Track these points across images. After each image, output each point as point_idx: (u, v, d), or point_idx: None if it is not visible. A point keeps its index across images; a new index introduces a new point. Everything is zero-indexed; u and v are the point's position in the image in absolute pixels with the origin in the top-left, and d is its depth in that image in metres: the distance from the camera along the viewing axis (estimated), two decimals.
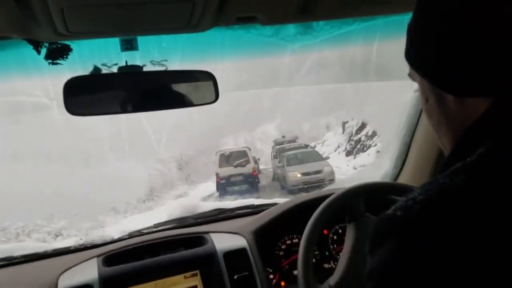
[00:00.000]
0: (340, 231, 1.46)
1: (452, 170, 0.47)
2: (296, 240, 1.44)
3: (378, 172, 1.61)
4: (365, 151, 18.83)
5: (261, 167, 18.49)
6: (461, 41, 0.48)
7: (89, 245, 1.43)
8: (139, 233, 1.53)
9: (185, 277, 1.25)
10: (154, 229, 1.53)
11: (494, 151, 0.46)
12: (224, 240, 1.36)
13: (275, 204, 1.68)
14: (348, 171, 16.29)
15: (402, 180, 1.51)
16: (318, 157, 15.89)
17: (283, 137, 21.48)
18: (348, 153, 20.27)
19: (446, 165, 0.51)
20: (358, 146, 19.85)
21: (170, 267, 1.25)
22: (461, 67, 0.49)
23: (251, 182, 15.94)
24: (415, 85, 1.43)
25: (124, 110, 1.07)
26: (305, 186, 13.38)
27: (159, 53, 1.12)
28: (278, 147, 19.27)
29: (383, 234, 0.48)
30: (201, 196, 16.23)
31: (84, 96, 1.01)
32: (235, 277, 1.24)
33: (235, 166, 16.08)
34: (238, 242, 1.34)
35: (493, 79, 0.48)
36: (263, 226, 1.42)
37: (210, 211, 1.69)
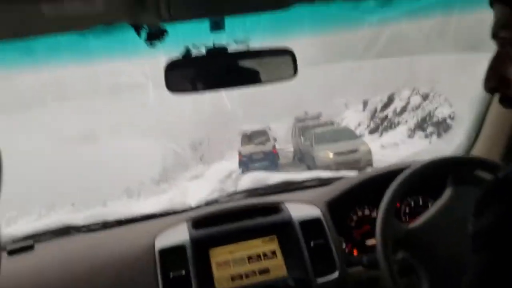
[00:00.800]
0: (412, 203, 1.51)
1: None
2: (367, 212, 1.51)
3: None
4: (393, 128, 17.61)
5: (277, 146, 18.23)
6: None
7: (171, 211, 1.57)
8: (216, 201, 1.65)
9: (263, 241, 1.36)
10: (229, 198, 1.65)
11: None
12: (299, 209, 1.45)
13: (341, 177, 1.74)
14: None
15: (476, 152, 1.52)
16: (352, 135, 14.43)
17: (306, 113, 20.20)
18: (372, 131, 19.08)
19: None
20: (385, 123, 18.58)
21: (250, 232, 1.37)
22: None
23: (271, 159, 17.09)
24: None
25: (212, 88, 1.16)
26: (338, 168, 11.56)
27: (243, 32, 1.19)
28: (300, 124, 18.08)
29: (495, 196, 0.50)
30: (223, 175, 16.22)
31: (181, 75, 1.12)
32: (312, 243, 1.33)
33: (256, 144, 17.34)
34: (312, 211, 1.43)
35: None
36: (336, 197, 1.49)
37: (279, 183, 1.78)
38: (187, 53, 1.14)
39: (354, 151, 12.53)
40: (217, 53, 1.14)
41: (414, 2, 1.19)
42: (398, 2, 1.14)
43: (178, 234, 1.35)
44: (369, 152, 12.60)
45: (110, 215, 1.57)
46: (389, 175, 1.24)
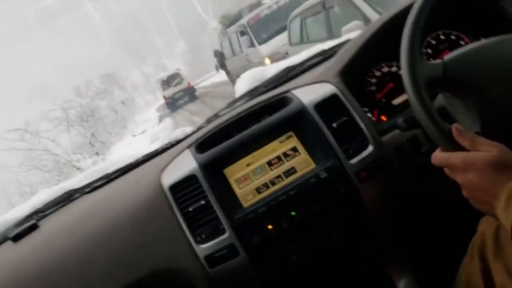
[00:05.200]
0: (433, 42, 1.32)
1: None
2: (386, 69, 1.33)
3: None
4: None
5: None
6: None
7: (174, 142, 1.45)
8: (216, 116, 1.52)
9: (280, 142, 1.22)
10: (229, 109, 1.51)
11: None
12: (310, 92, 1.28)
13: (347, 41, 1.56)
14: None
15: None
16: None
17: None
18: None
19: None
20: None
21: (262, 136, 1.22)
22: None
23: (190, 93, 22.55)
24: None
25: None
26: None
27: None
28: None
29: None
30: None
31: None
32: (334, 125, 1.18)
33: (175, 86, 22.68)
34: (326, 89, 1.25)
35: None
36: (346, 64, 1.31)
37: (279, 73, 1.61)
38: None
39: None
40: None
41: None
42: None
43: (184, 164, 1.22)
44: None
45: (110, 167, 1.48)
46: (402, 15, 1.03)
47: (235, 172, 1.21)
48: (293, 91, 1.31)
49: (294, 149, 1.22)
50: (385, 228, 1.24)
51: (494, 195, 0.69)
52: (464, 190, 0.77)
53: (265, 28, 10.05)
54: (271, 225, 1.13)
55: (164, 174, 1.23)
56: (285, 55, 8.28)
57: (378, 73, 1.33)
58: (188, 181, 1.18)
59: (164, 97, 22.95)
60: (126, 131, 21.06)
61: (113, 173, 1.45)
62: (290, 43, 7.46)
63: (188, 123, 14.08)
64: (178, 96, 22.55)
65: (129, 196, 1.26)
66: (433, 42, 1.31)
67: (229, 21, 13.06)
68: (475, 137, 0.77)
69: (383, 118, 1.31)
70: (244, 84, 1.69)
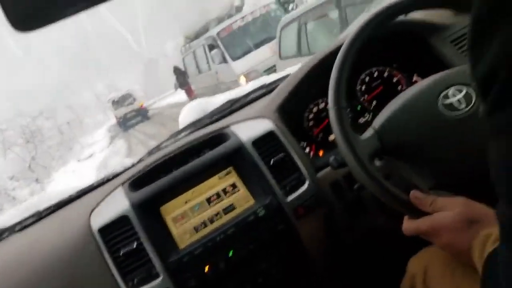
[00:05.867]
0: (367, 79, 1.37)
1: None
2: (322, 105, 1.37)
3: None
4: None
5: None
6: None
7: (111, 176, 1.40)
8: (158, 148, 1.50)
9: (220, 178, 1.22)
10: (172, 140, 1.50)
11: None
12: (248, 128, 1.29)
13: (287, 76, 1.60)
14: None
15: None
16: None
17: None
18: None
19: None
20: None
21: (200, 172, 1.21)
22: None
23: (143, 114, 22.95)
24: None
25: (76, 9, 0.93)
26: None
27: None
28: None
29: None
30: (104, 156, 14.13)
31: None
32: (272, 162, 1.20)
33: (127, 105, 23.05)
34: (263, 126, 1.27)
35: None
36: (284, 101, 1.33)
37: (223, 105, 1.63)
38: None
39: None
40: None
41: None
42: None
43: (115, 204, 1.17)
44: None
45: (41, 203, 1.40)
46: (333, 55, 1.06)
47: (172, 210, 1.18)
48: (233, 127, 1.32)
49: (234, 185, 1.21)
50: (324, 263, 1.26)
51: (469, 248, 0.71)
52: (445, 250, 0.78)
53: (239, 42, 8.91)
54: (207, 266, 1.11)
55: (94, 215, 1.18)
56: (263, 74, 7.20)
57: (315, 109, 1.37)
58: (119, 222, 1.13)
59: (116, 116, 23.33)
60: (71, 154, 19.07)
61: (44, 210, 1.37)
62: (281, 56, 5.99)
63: (143, 148, 13.44)
64: (130, 116, 22.90)
65: (58, 238, 1.19)
66: (367, 78, 1.37)
67: (193, 35, 11.29)
68: (434, 199, 0.79)
69: (320, 152, 1.34)
70: (187, 115, 1.68)
